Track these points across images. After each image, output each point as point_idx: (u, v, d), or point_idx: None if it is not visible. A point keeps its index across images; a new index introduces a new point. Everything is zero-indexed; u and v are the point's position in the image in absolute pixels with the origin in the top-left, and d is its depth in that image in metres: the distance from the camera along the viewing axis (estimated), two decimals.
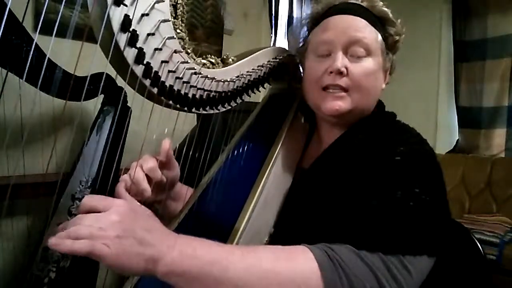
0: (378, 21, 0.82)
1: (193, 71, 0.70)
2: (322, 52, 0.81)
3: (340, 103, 0.78)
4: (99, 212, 0.53)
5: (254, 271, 0.56)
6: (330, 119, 0.83)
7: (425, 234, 0.63)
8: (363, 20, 0.79)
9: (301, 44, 0.92)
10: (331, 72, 0.77)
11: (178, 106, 0.71)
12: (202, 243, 0.57)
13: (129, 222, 0.53)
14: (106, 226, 0.51)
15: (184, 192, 0.90)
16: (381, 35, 0.81)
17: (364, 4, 0.81)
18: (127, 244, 0.51)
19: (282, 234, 0.78)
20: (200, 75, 0.72)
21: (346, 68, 0.77)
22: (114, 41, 0.56)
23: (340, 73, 0.77)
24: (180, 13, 0.67)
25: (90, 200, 0.54)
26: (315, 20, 0.86)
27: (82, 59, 0.59)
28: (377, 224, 0.62)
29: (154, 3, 0.60)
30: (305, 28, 0.90)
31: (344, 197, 0.69)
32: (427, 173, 0.68)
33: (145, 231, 0.53)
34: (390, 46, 0.83)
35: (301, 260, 0.58)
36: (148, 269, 0.52)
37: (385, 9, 0.82)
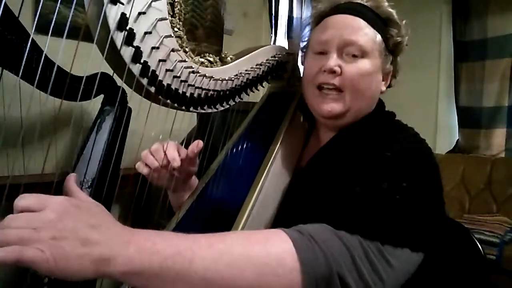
0: (381, 22, 0.81)
1: (191, 69, 0.70)
2: (318, 51, 0.82)
3: (333, 105, 0.79)
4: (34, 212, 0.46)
5: (223, 259, 0.51)
6: (325, 121, 0.84)
7: (408, 228, 0.61)
8: (361, 20, 0.79)
9: (304, 43, 0.92)
10: (324, 71, 0.78)
11: (176, 105, 0.71)
12: (163, 235, 0.53)
13: (69, 220, 0.46)
14: (39, 226, 0.44)
15: (195, 183, 0.94)
16: (382, 36, 0.80)
17: (369, 4, 0.81)
18: (66, 245, 0.44)
19: None
20: (198, 74, 0.72)
21: (340, 68, 0.77)
22: (110, 39, 0.56)
23: (333, 72, 0.77)
24: (178, 11, 0.67)
25: (23, 200, 0.47)
26: (318, 19, 0.86)
27: (81, 58, 0.59)
28: (358, 209, 0.61)
29: (151, 2, 0.60)
30: (309, 27, 0.90)
31: (334, 191, 0.68)
32: (418, 170, 0.67)
33: (90, 229, 0.47)
34: (391, 47, 0.82)
35: (274, 241, 0.55)
36: (100, 271, 0.46)
37: (390, 10, 0.82)
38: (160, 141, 0.82)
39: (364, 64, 0.78)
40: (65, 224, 0.45)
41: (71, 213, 0.47)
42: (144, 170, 0.81)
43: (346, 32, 0.78)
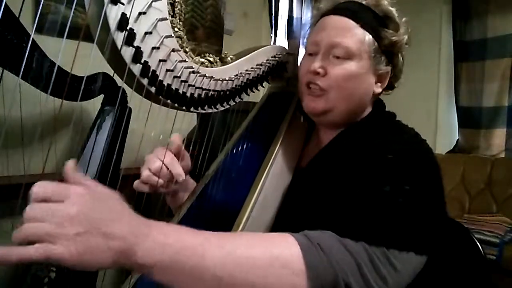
0: (377, 21, 0.80)
1: (191, 70, 0.70)
2: (310, 51, 0.83)
3: (317, 102, 0.80)
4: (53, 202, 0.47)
5: (232, 257, 0.53)
6: (313, 118, 0.86)
7: (412, 231, 0.62)
8: (350, 21, 0.78)
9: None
10: (310, 72, 0.79)
11: (176, 105, 0.71)
12: (176, 230, 0.55)
13: (91, 214, 0.47)
14: (63, 221, 0.45)
15: (192, 184, 0.93)
16: (374, 37, 0.79)
17: (365, 2, 0.81)
18: (90, 240, 0.46)
19: None
20: (198, 74, 0.72)
21: (325, 69, 0.78)
22: (111, 40, 0.56)
23: (317, 73, 0.78)
24: (178, 11, 0.67)
25: (41, 189, 0.47)
26: (317, 19, 0.86)
27: (82, 58, 0.59)
28: (361, 214, 0.61)
29: (152, 2, 0.60)
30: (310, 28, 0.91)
31: (336, 194, 0.68)
32: (420, 172, 0.67)
33: (111, 222, 0.48)
34: (386, 47, 0.80)
35: (281, 244, 0.57)
36: (121, 262, 0.49)
37: (390, 8, 0.81)
38: (160, 143, 0.82)
39: (350, 66, 0.78)
40: (87, 219, 0.47)
41: (91, 206, 0.48)
42: (145, 189, 0.79)
43: (332, 33, 0.79)
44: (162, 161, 0.77)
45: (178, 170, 0.78)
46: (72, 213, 0.46)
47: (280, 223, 0.79)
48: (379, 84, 0.83)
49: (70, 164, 0.53)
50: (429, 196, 0.66)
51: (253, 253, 0.55)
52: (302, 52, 0.94)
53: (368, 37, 0.78)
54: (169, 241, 0.51)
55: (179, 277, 0.52)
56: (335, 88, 0.78)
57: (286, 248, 0.56)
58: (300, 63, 0.87)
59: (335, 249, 0.57)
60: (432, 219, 0.65)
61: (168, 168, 0.78)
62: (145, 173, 0.77)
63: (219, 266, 0.52)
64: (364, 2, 0.81)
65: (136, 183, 0.79)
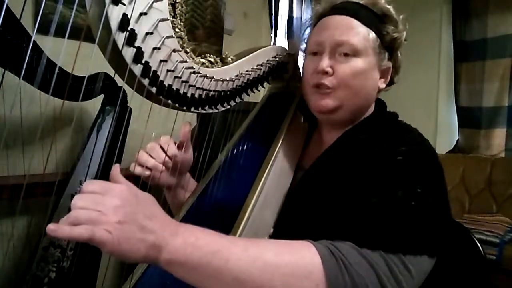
0: (377, 19, 0.81)
1: (192, 70, 0.70)
2: (313, 51, 0.83)
3: (327, 100, 0.80)
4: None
5: (256, 263, 0.55)
6: (320, 116, 0.85)
7: (426, 234, 0.63)
8: (353, 20, 0.80)
9: (304, 45, 0.92)
10: (318, 72, 0.79)
11: (177, 105, 0.71)
12: (204, 232, 0.56)
13: (131, 207, 0.51)
14: (107, 210, 0.49)
15: (193, 184, 0.94)
16: (377, 33, 0.80)
17: (363, 2, 0.82)
18: (128, 230, 0.50)
19: (282, 234, 0.78)
20: (199, 75, 0.72)
21: (333, 68, 0.79)
22: (112, 40, 0.56)
23: (325, 73, 0.79)
24: (179, 12, 0.67)
25: (90, 185, 0.53)
26: (316, 20, 0.87)
27: (82, 59, 0.59)
28: (378, 222, 0.62)
29: (153, 2, 0.60)
30: (309, 29, 0.91)
31: (346, 197, 0.69)
32: (429, 173, 0.68)
33: (147, 218, 0.52)
34: (388, 43, 0.82)
35: (304, 254, 0.58)
36: (150, 256, 0.51)
37: (387, 6, 0.82)
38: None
39: (357, 63, 0.79)
40: (127, 211, 0.51)
41: (132, 202, 0.52)
42: (137, 170, 0.79)
43: (337, 32, 0.79)
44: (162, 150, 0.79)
45: (173, 151, 0.80)
46: (115, 204, 0.50)
47: (284, 223, 0.79)
48: (382, 79, 0.84)
49: (116, 168, 0.57)
50: (437, 196, 0.67)
51: (277, 260, 0.56)
52: (302, 53, 0.94)
53: (372, 34, 0.80)
54: (199, 243, 0.54)
55: (202, 277, 0.54)
56: (343, 86, 0.79)
57: (308, 258, 0.57)
58: (304, 64, 0.87)
59: (354, 260, 0.58)
60: (441, 220, 0.66)
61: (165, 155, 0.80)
62: (139, 153, 0.79)
63: (243, 270, 0.54)
64: (362, 2, 0.82)
65: (136, 168, 0.79)
